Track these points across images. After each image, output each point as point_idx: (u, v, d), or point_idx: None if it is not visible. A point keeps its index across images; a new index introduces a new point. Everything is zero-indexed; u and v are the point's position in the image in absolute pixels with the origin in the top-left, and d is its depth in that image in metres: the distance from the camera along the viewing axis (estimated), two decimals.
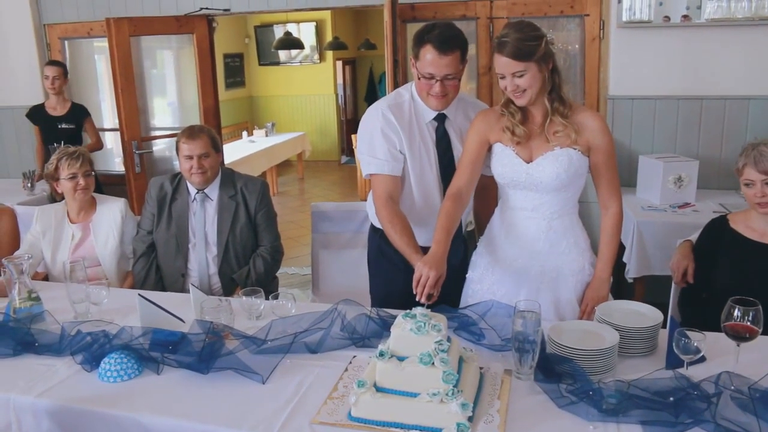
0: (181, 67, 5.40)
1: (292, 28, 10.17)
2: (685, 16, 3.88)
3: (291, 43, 9.68)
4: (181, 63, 5.38)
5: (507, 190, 2.25)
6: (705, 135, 4.02)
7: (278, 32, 10.17)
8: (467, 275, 2.39)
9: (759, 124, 3.93)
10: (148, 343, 1.96)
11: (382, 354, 1.58)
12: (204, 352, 1.87)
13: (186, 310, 2.24)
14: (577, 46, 4.32)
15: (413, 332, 1.57)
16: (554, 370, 1.75)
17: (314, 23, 10.29)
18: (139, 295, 2.11)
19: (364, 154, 2.36)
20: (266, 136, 9.19)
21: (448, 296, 2.22)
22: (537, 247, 2.22)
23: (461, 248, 2.56)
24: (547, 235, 2.21)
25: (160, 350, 1.93)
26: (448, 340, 1.63)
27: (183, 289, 2.84)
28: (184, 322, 2.17)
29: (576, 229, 2.25)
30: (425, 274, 1.96)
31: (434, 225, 2.36)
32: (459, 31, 2.25)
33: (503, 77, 2.06)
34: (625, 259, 3.53)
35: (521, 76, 2.03)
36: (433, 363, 1.54)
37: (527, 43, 2.00)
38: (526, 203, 2.21)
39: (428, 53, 2.18)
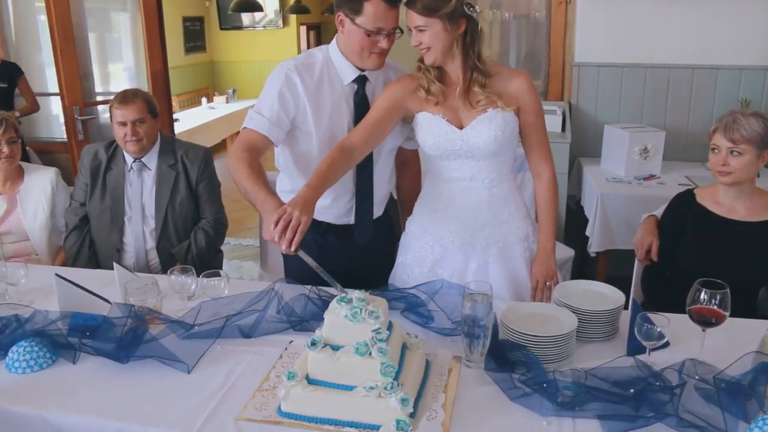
0: (136, 31, 5.10)
1: None
2: None
3: (250, 5, 9.31)
4: (137, 26, 5.09)
5: (440, 162, 2.08)
6: (672, 105, 3.90)
7: None
8: (399, 259, 2.22)
9: (726, 94, 3.82)
10: (66, 328, 1.77)
11: (314, 343, 1.42)
12: (124, 339, 1.69)
13: (116, 289, 2.04)
14: (533, 11, 4.16)
15: (348, 319, 1.41)
16: (507, 357, 1.62)
17: None
18: (57, 275, 1.91)
19: (252, 109, 2.10)
20: (227, 102, 8.91)
21: (374, 278, 2.08)
22: (480, 218, 2.08)
23: (385, 232, 2.38)
24: (489, 203, 2.07)
25: (78, 336, 1.75)
26: (390, 327, 1.48)
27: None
28: (110, 303, 1.98)
29: (515, 195, 2.14)
30: (296, 218, 1.70)
31: (344, 201, 2.20)
32: None
33: (410, 30, 1.94)
34: (587, 232, 3.42)
35: (422, 31, 1.91)
36: (370, 353, 1.39)
37: None
38: (463, 173, 2.06)
39: (376, 6, 1.95)
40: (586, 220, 3.53)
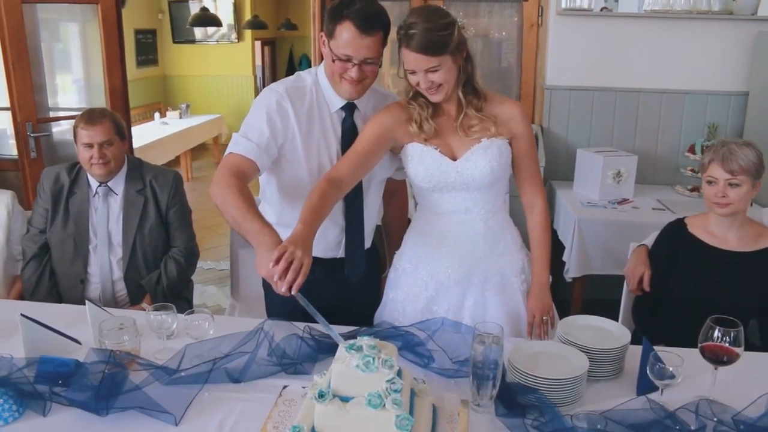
0: (86, 43, 4.89)
1: (208, 4, 9.61)
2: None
3: (208, 19, 9.11)
4: (87, 38, 4.87)
5: (431, 194, 2.00)
6: (641, 129, 3.93)
7: (194, 8, 9.57)
8: (389, 296, 2.12)
9: (694, 119, 3.87)
10: (33, 375, 1.61)
11: (321, 395, 1.31)
12: (102, 388, 1.54)
13: (85, 326, 1.88)
14: (504, 33, 4.15)
15: (360, 369, 1.30)
16: (516, 400, 1.54)
17: (232, 0, 9.79)
18: (22, 315, 1.74)
19: (237, 134, 1.96)
20: (180, 118, 8.64)
21: (362, 314, 2.01)
22: (477, 252, 2.01)
23: (374, 266, 2.29)
24: (485, 236, 2.00)
25: (47, 384, 1.58)
26: (399, 373, 1.38)
27: (82, 298, 2.45)
28: (80, 344, 1.84)
29: (510, 225, 2.09)
30: (298, 259, 1.60)
31: (333, 235, 2.10)
32: (382, 9, 1.91)
33: (414, 73, 1.83)
34: (565, 258, 3.39)
35: (435, 71, 1.80)
36: (383, 405, 1.28)
37: (439, 33, 1.77)
38: (457, 205, 1.99)
39: (346, 31, 1.83)
40: (558, 244, 3.50)
